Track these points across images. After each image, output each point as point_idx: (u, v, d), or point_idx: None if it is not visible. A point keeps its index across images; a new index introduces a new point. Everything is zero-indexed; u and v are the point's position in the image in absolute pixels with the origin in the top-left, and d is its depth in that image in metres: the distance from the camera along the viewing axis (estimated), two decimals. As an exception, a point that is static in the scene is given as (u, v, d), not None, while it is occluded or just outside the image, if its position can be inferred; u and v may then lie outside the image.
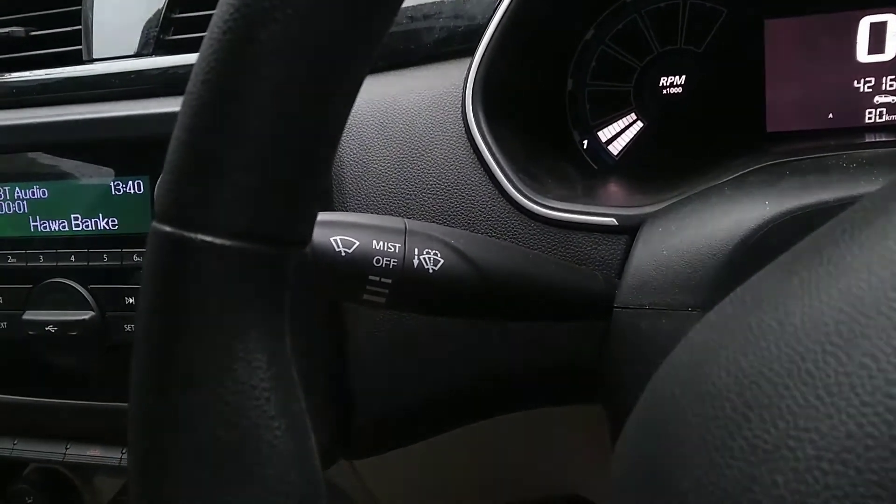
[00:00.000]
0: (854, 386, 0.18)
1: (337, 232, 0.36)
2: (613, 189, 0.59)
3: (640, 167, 0.60)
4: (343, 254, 0.35)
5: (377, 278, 0.36)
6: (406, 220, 0.37)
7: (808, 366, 0.19)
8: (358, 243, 0.36)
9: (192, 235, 0.21)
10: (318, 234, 0.36)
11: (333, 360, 0.51)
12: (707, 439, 0.20)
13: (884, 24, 0.56)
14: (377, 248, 0.36)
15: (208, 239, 0.20)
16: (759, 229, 0.33)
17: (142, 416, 0.22)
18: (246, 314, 0.21)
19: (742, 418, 0.20)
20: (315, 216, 0.24)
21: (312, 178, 0.22)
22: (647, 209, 0.45)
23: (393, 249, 0.36)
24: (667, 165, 0.58)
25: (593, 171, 0.61)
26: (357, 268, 0.35)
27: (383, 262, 0.36)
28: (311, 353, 0.52)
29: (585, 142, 0.62)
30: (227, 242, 0.21)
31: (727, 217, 0.35)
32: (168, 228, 0.21)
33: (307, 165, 0.22)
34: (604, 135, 0.61)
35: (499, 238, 0.49)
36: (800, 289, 0.21)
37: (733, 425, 0.20)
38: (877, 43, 0.56)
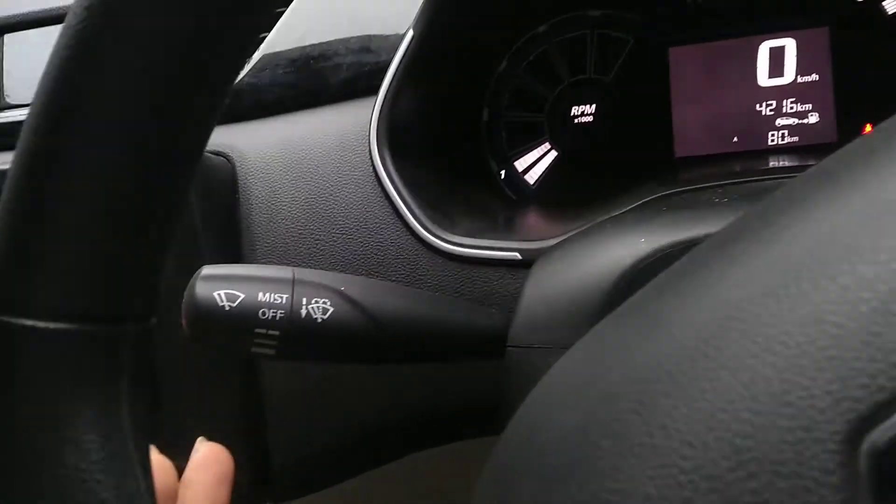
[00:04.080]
0: (655, 447, 0.18)
1: (221, 286, 0.36)
2: (532, 218, 0.60)
3: (556, 195, 0.61)
4: (227, 308, 0.35)
5: (264, 331, 0.36)
6: (295, 269, 0.37)
7: (618, 426, 0.19)
8: (243, 296, 0.36)
9: (12, 320, 0.20)
10: (202, 289, 0.35)
11: (247, 402, 0.51)
12: (536, 495, 0.21)
13: (782, 48, 0.57)
14: (263, 300, 0.36)
15: (29, 323, 0.20)
16: (635, 267, 0.34)
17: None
18: (73, 396, 0.21)
19: (564, 476, 0.20)
20: (154, 289, 0.24)
21: (144, 255, 0.22)
22: (550, 242, 0.46)
23: (280, 300, 0.36)
24: (581, 193, 0.59)
25: (512, 200, 0.62)
26: (242, 321, 0.35)
27: (269, 314, 0.36)
28: (225, 395, 0.52)
29: (503, 172, 0.63)
30: (49, 325, 0.20)
31: (606, 255, 0.35)
32: None
33: (136, 244, 0.21)
34: (520, 164, 0.62)
35: (407, 275, 0.49)
36: (620, 345, 0.21)
37: (558, 482, 0.20)
38: (776, 67, 0.57)
